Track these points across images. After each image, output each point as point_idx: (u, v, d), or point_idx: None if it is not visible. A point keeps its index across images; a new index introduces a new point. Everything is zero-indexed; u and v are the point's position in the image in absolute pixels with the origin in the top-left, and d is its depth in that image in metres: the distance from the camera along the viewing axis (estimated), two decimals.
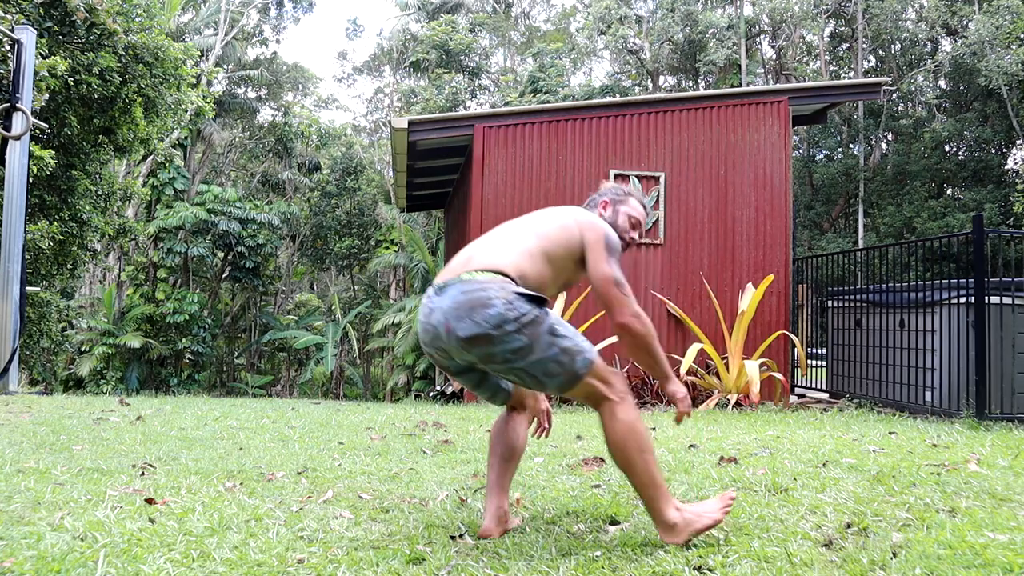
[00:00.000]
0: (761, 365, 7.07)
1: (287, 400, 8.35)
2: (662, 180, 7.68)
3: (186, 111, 10.31)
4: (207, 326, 18.91)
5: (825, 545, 2.04)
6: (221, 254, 20.96)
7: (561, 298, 7.26)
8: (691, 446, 3.69)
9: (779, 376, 7.14)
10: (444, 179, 10.70)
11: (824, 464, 3.11)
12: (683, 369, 6.75)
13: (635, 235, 2.50)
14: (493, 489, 2.27)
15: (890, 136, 25.39)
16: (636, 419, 2.04)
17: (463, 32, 24.52)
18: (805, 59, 27.14)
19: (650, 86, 26.66)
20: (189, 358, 18.80)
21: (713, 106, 7.91)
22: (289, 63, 27.15)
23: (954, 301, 6.06)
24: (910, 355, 6.52)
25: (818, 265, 8.81)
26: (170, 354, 18.40)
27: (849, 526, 2.19)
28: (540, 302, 2.07)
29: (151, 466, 3.07)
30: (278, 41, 27.40)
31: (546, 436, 2.52)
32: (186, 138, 19.79)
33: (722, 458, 3.22)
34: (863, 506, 2.39)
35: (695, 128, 7.84)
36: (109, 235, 10.71)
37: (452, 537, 2.08)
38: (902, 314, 6.66)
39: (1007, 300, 5.96)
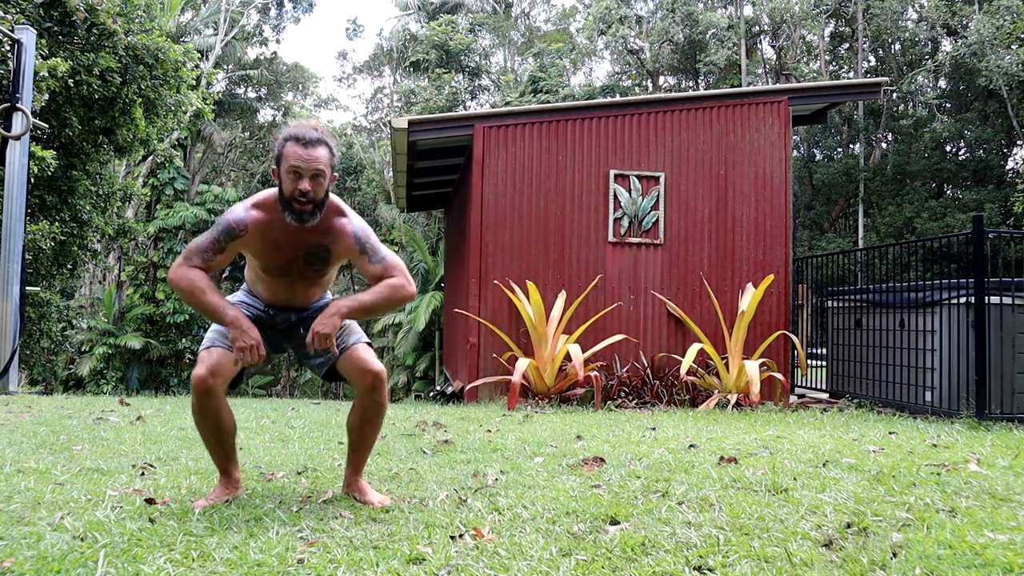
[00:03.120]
0: (761, 365, 7.07)
1: (287, 400, 8.35)
2: (662, 180, 7.69)
3: (186, 112, 10.32)
4: (207, 326, 18.94)
5: (825, 545, 2.04)
6: None
7: (561, 298, 7.27)
8: (691, 446, 3.69)
9: (779, 376, 7.14)
10: (444, 179, 10.71)
11: (824, 464, 3.10)
12: (683, 369, 6.76)
13: (301, 187, 2.24)
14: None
15: (890, 136, 25.39)
16: (194, 406, 2.49)
17: (463, 32, 24.53)
18: (805, 59, 27.14)
19: (650, 86, 26.66)
20: (189, 358, 18.81)
21: (713, 106, 7.91)
22: (289, 63, 27.17)
23: (954, 301, 6.06)
24: (910, 355, 6.52)
25: (818, 265, 8.81)
26: (170, 354, 18.43)
27: (849, 526, 2.19)
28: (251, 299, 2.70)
29: (151, 466, 3.07)
30: (278, 41, 27.45)
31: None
32: (186, 138, 19.83)
33: (722, 458, 3.22)
34: (863, 506, 2.39)
35: (695, 128, 7.84)
36: (109, 235, 10.72)
37: (452, 537, 2.08)
38: (902, 314, 6.66)
39: (1007, 300, 5.96)
